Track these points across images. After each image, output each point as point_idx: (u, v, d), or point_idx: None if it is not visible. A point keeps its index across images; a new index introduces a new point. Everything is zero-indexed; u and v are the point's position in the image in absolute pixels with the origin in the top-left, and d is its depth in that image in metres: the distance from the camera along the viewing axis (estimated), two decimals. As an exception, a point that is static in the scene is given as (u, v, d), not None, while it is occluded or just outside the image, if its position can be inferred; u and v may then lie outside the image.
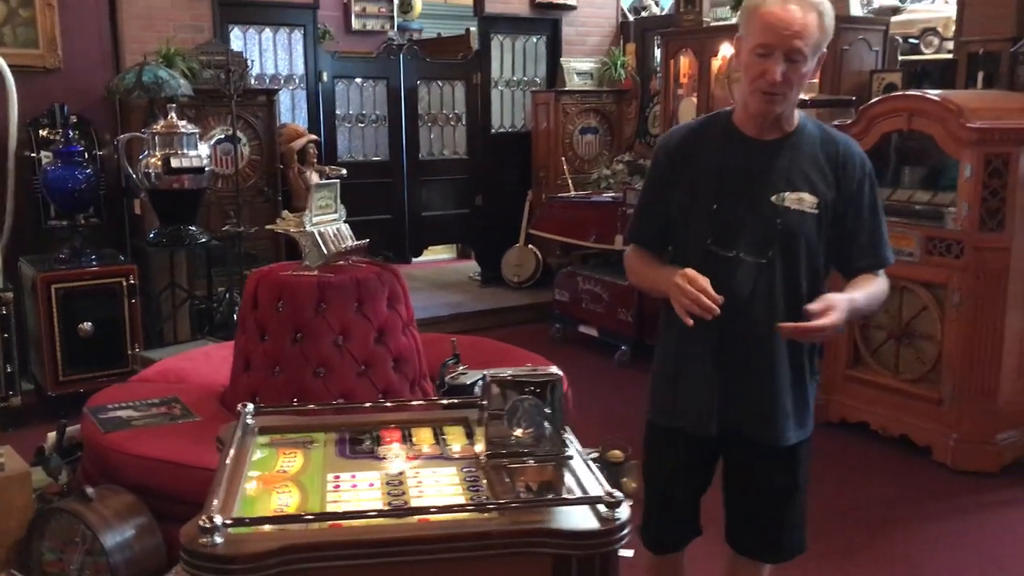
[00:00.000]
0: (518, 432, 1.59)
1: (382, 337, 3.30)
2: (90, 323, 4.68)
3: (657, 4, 7.99)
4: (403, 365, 3.36)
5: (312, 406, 1.93)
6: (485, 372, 1.62)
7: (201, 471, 2.85)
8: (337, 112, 6.69)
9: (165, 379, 3.77)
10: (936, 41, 5.83)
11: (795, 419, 2.09)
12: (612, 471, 3.01)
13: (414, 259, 7.56)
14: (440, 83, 7.15)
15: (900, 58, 5.64)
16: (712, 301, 1.86)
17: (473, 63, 7.27)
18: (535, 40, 7.37)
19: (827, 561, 3.30)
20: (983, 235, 3.90)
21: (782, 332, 1.91)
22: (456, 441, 1.76)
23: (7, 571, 2.88)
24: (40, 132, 5.24)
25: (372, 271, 3.37)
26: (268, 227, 3.71)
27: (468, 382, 3.26)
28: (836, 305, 1.88)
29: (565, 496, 1.46)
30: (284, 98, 6.28)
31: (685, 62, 6.30)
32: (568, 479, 1.53)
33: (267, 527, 1.34)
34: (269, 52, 6.28)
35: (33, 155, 5.17)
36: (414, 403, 2.26)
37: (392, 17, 11.08)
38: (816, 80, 5.49)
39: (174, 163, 4.84)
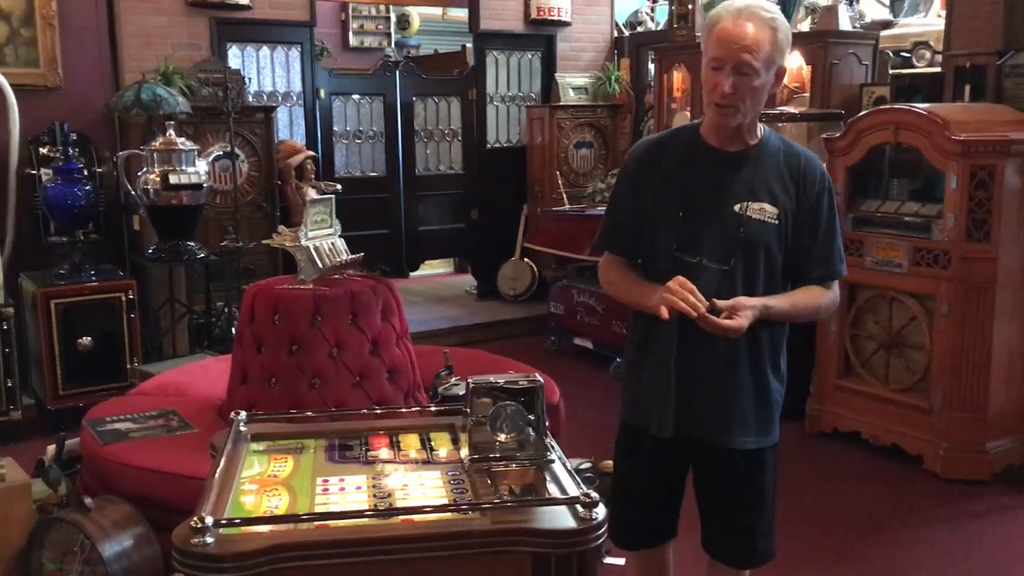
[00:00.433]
0: (501, 437, 1.64)
1: (376, 349, 3.35)
2: (89, 338, 4.72)
3: (653, 20, 8.08)
4: (397, 376, 3.41)
5: (308, 413, 1.97)
6: (470, 379, 1.66)
7: (198, 481, 2.86)
8: (334, 128, 6.75)
9: (163, 392, 3.82)
10: (928, 54, 5.89)
11: (755, 425, 2.14)
12: (605, 481, 3.05)
13: (411, 273, 7.62)
14: (436, 99, 7.22)
15: (891, 71, 5.71)
16: (699, 302, 1.94)
17: (469, 79, 7.35)
18: (530, 56, 7.45)
19: (819, 568, 3.35)
20: (970, 246, 3.95)
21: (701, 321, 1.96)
22: (442, 446, 1.81)
23: (7, 581, 2.92)
24: (40, 150, 5.30)
25: (366, 284, 3.42)
26: (265, 242, 3.76)
27: (460, 393, 3.31)
28: (743, 308, 1.96)
29: (544, 497, 1.51)
30: (282, 115, 6.34)
31: (678, 77, 6.38)
32: (549, 482, 1.58)
33: (257, 528, 1.39)
34: (267, 69, 6.35)
35: (34, 172, 5.23)
36: (402, 411, 2.30)
37: (389, 34, 11.21)
38: (807, 94, 5.57)
39: (172, 180, 4.91)
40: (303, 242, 3.37)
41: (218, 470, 1.56)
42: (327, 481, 1.63)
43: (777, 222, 2.07)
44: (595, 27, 7.62)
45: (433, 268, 8.70)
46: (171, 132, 5.02)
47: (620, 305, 5.46)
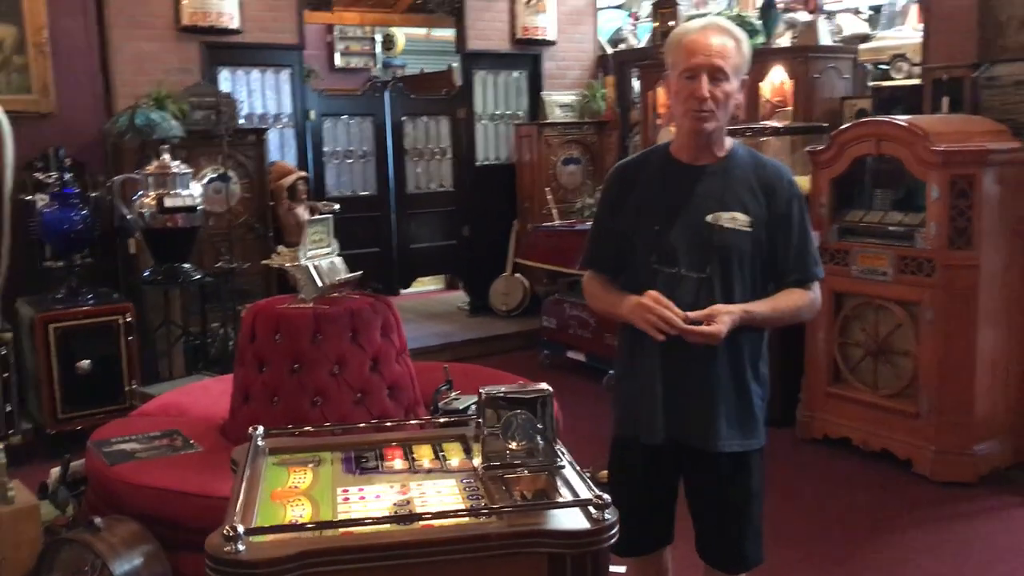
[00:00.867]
0: (512, 445, 1.71)
1: (377, 366, 3.42)
2: (88, 361, 4.77)
3: (635, 37, 8.20)
4: (397, 392, 3.47)
5: (328, 426, 2.04)
6: (481, 390, 1.74)
7: (206, 499, 2.96)
8: (325, 149, 6.84)
9: (165, 413, 3.86)
10: (906, 66, 6.01)
11: (737, 428, 2.22)
12: (603, 490, 3.12)
13: (404, 290, 7.68)
14: (425, 118, 7.32)
15: (870, 84, 5.83)
16: (675, 315, 2.05)
17: (457, 98, 7.45)
18: (517, 75, 7.56)
19: (809, 570, 3.43)
20: (952, 253, 4.06)
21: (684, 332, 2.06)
22: (454, 456, 1.88)
23: (17, 603, 2.96)
24: (34, 175, 5.35)
25: (366, 302, 3.48)
26: (264, 262, 3.83)
27: (461, 407, 3.39)
28: (719, 315, 2.06)
29: (558, 500, 1.59)
30: (273, 137, 6.41)
31: (663, 93, 6.48)
32: (560, 486, 1.65)
33: (283, 536, 1.45)
34: (257, 92, 6.43)
35: (28, 198, 5.26)
36: (412, 422, 2.37)
37: (375, 54, 11.30)
38: (790, 108, 5.68)
39: (168, 203, 4.97)
40: (303, 261, 3.44)
41: (242, 483, 1.62)
42: (347, 491, 1.70)
43: (750, 230, 2.17)
44: (579, 46, 7.74)
45: (424, 285, 8.76)
46: (166, 156, 5.08)
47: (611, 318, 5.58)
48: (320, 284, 3.42)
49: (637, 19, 8.44)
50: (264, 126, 6.25)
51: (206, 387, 4.26)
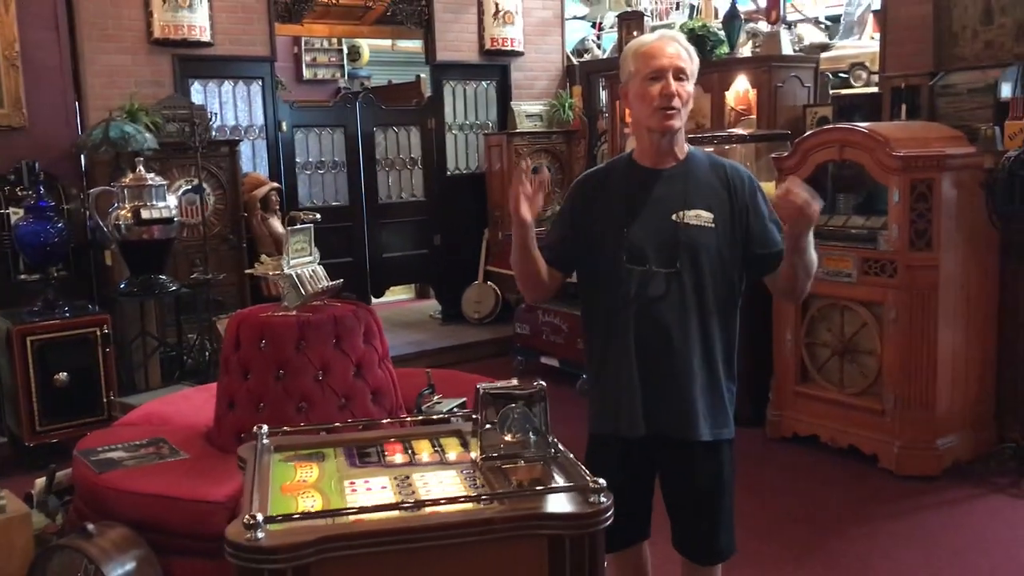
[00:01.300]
0: (508, 437, 1.80)
1: (360, 371, 3.48)
2: (66, 373, 4.78)
3: (599, 47, 8.36)
4: (381, 397, 3.54)
5: (324, 428, 2.11)
6: (479, 386, 1.83)
7: (196, 504, 3.02)
8: (297, 160, 6.90)
9: (149, 422, 3.89)
10: (864, 75, 6.19)
11: (711, 418, 2.33)
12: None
13: (376, 300, 7.73)
14: (396, 129, 7.40)
15: (831, 92, 6.01)
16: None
17: (427, 109, 7.54)
18: (486, 85, 7.68)
19: (784, 563, 3.54)
20: (913, 254, 4.21)
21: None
22: (452, 450, 1.97)
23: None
24: (6, 188, 5.35)
25: (348, 309, 3.55)
26: (248, 271, 3.89)
27: (444, 410, 3.47)
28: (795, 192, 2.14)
29: (556, 486, 1.68)
30: (245, 148, 6.45)
31: (630, 103, 6.61)
32: (556, 474, 1.74)
33: (300, 523, 1.53)
34: (229, 104, 6.47)
35: (2, 212, 5.27)
36: (409, 419, 2.45)
37: (342, 66, 11.37)
38: (754, 116, 5.84)
39: (144, 214, 5.00)
40: (286, 270, 3.50)
41: (253, 478, 1.69)
42: (353, 483, 1.78)
43: (714, 226, 2.30)
44: (547, 56, 7.87)
45: (395, 295, 8.82)
46: (140, 168, 5.11)
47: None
48: (303, 292, 3.49)
49: (601, 30, 8.61)
50: (236, 138, 6.29)
51: (187, 396, 4.30)
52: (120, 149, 5.26)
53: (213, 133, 5.96)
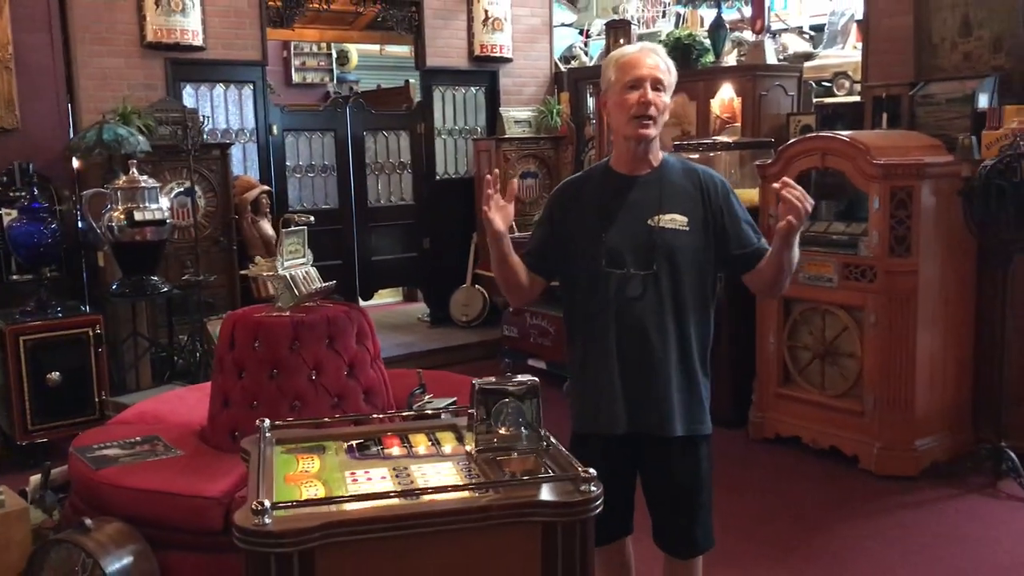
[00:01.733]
0: (502, 430, 1.88)
1: (352, 371, 3.55)
2: (58, 373, 4.82)
3: (586, 54, 8.46)
4: (373, 396, 3.61)
5: (326, 420, 2.18)
6: (474, 382, 1.90)
7: (191, 499, 3.09)
8: (287, 163, 6.95)
9: (143, 420, 3.94)
10: (847, 84, 6.31)
11: (686, 413, 2.42)
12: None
13: (365, 302, 7.79)
14: (386, 133, 7.47)
15: (814, 100, 6.12)
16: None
17: (417, 114, 7.62)
18: (475, 91, 7.76)
19: (765, 560, 3.63)
20: (892, 260, 4.32)
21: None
22: (448, 443, 2.05)
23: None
24: (-1, 190, 5.40)
25: (341, 310, 3.62)
26: (243, 272, 3.95)
27: (435, 408, 3.53)
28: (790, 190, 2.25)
29: (549, 475, 1.76)
30: (236, 151, 6.50)
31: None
32: (547, 465, 1.82)
33: (305, 510, 1.60)
34: (220, 107, 6.52)
35: (-7, 213, 5.31)
36: (405, 413, 2.53)
37: (331, 70, 11.43)
38: (738, 124, 5.95)
39: (137, 216, 5.05)
40: (280, 271, 3.57)
41: (257, 469, 1.77)
42: (354, 474, 1.86)
43: (688, 229, 2.40)
44: (535, 63, 7.96)
45: (383, 298, 8.88)
46: (133, 171, 5.16)
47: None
48: (297, 293, 3.56)
49: (588, 37, 8.71)
50: (228, 141, 6.35)
51: (180, 396, 4.35)
52: (113, 151, 5.31)
53: (205, 136, 6.02)
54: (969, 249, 4.54)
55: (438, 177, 7.67)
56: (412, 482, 1.80)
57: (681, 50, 6.30)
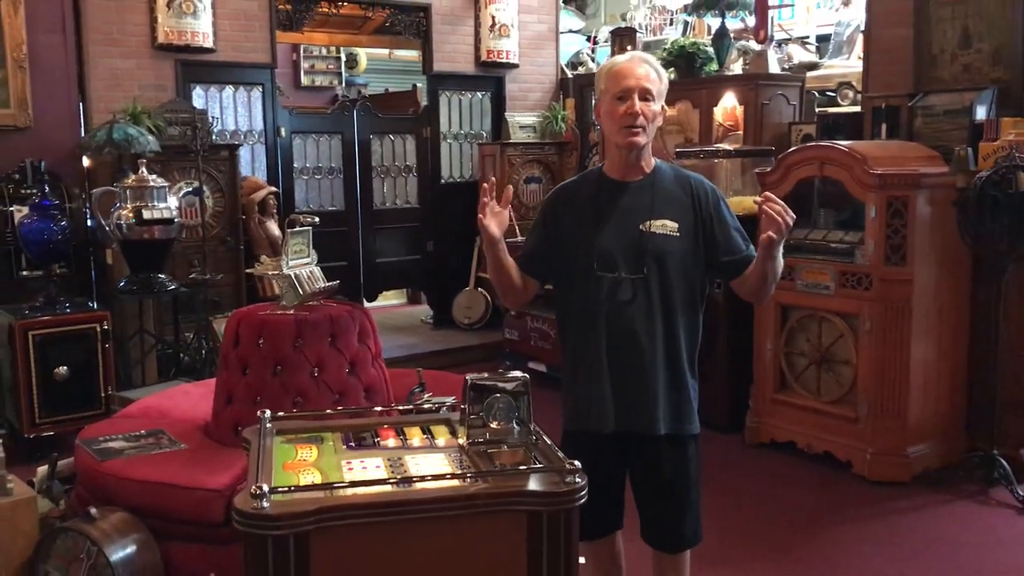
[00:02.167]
0: (494, 424, 1.95)
1: (354, 369, 3.63)
2: (65, 367, 4.90)
3: (594, 60, 8.53)
4: (373, 395, 3.68)
5: (327, 412, 2.26)
6: (467, 377, 1.98)
7: (194, 491, 3.16)
8: (295, 165, 7.04)
9: (147, 415, 4.01)
10: (851, 94, 6.37)
11: (675, 414, 2.48)
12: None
13: (368, 304, 7.87)
14: (392, 136, 7.56)
15: (817, 110, 6.18)
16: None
17: (423, 118, 7.71)
18: (480, 96, 7.84)
19: (758, 563, 3.69)
20: (888, 268, 4.38)
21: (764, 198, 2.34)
22: (441, 436, 2.13)
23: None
24: (10, 187, 5.48)
25: (344, 309, 3.70)
26: (248, 271, 4.03)
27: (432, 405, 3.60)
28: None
29: (536, 466, 1.83)
30: (244, 153, 6.59)
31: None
32: (536, 458, 1.89)
33: (301, 495, 1.68)
34: (229, 109, 6.61)
35: (4, 209, 5.40)
36: (400, 408, 2.60)
37: (340, 73, 11.54)
38: (740, 132, 6.02)
39: (146, 215, 5.14)
40: (285, 270, 3.65)
41: (257, 457, 1.84)
42: (350, 463, 1.93)
43: (678, 235, 2.46)
44: (541, 69, 8.04)
45: (387, 299, 8.96)
46: (143, 170, 5.25)
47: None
48: (301, 292, 3.63)
49: (596, 43, 8.79)
50: (236, 142, 6.44)
51: (186, 391, 4.42)
52: (123, 151, 5.40)
53: (214, 137, 6.11)
54: (964, 259, 4.60)
55: (443, 181, 7.75)
56: (405, 471, 1.87)
57: (685, 58, 6.38)
